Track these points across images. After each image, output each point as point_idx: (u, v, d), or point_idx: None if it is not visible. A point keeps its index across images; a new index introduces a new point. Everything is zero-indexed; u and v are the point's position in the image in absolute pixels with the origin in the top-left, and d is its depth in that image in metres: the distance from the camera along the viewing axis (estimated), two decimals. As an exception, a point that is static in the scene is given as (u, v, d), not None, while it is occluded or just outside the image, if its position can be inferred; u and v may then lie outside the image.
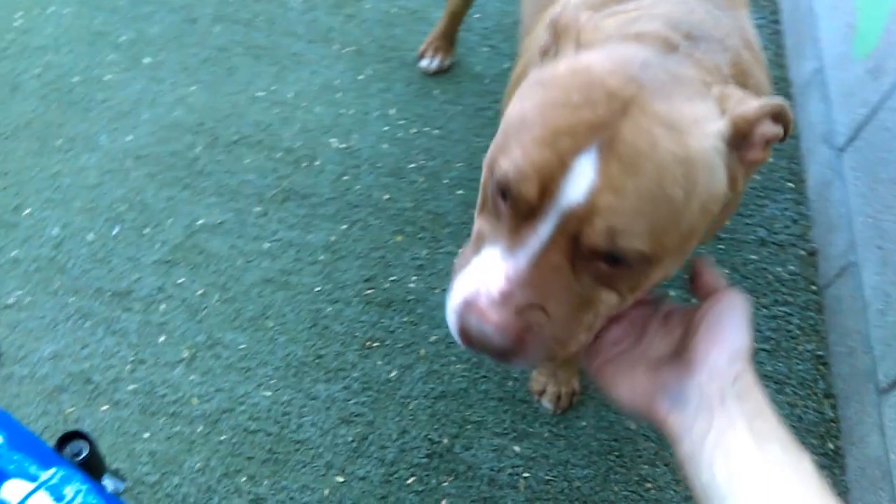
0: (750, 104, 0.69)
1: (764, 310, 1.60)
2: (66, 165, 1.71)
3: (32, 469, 0.61)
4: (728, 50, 0.84)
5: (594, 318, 0.72)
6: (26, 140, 1.75)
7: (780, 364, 1.53)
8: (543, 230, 0.67)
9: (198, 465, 1.36)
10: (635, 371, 0.71)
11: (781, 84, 1.95)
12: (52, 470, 0.61)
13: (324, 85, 1.92)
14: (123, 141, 1.76)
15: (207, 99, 1.85)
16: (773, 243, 1.72)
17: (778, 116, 0.70)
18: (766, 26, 2.07)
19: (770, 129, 0.70)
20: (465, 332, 0.70)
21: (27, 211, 1.64)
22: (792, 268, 1.68)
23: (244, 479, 1.35)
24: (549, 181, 0.66)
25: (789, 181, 1.81)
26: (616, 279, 0.69)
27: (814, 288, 1.65)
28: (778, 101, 0.70)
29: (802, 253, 1.70)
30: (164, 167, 1.73)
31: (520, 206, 0.68)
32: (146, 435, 1.38)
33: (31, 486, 0.59)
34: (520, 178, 0.67)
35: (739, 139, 0.69)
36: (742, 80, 0.85)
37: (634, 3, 0.91)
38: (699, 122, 0.68)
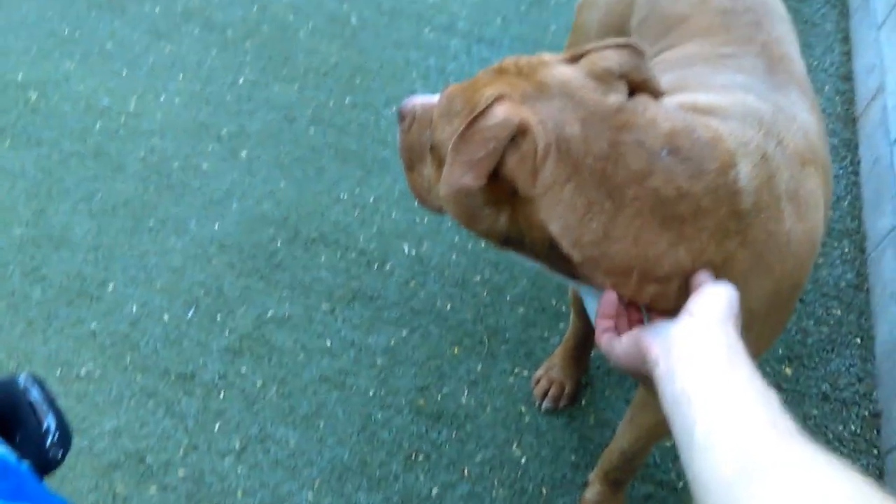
0: None
1: (820, 469, 1.55)
2: (154, 246, 1.83)
3: None
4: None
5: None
6: (122, 218, 1.87)
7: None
8: None
9: (234, 557, 1.39)
10: (632, 330, 0.82)
11: (856, 237, 1.94)
12: None
13: (403, 192, 2.00)
14: (211, 228, 1.87)
15: (294, 196, 1.96)
16: (837, 400, 1.68)
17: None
18: (844, 176, 2.07)
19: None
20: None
21: (111, 286, 1.75)
22: (853, 428, 1.64)
23: (276, 578, 1.37)
24: None
25: (857, 336, 1.78)
26: None
27: (875, 452, 1.60)
28: None
29: (865, 413, 1.65)
30: (244, 257, 1.83)
31: None
32: (189, 520, 1.43)
33: None
34: None
35: None
36: None
37: None
38: None
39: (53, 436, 0.74)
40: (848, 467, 0.56)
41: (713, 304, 0.74)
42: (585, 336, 1.56)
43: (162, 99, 2.14)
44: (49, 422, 0.75)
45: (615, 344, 0.82)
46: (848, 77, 2.37)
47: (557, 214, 0.81)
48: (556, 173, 0.79)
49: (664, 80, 0.99)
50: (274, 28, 2.35)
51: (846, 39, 2.49)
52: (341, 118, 2.14)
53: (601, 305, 0.84)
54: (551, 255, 0.84)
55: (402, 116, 1.02)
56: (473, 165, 0.77)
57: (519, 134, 0.78)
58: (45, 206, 1.88)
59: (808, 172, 0.92)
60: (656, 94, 0.86)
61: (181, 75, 2.20)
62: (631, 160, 0.79)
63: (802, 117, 1.00)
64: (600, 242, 0.81)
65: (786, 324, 1.06)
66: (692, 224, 0.81)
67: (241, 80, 2.20)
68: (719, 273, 0.82)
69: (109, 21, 2.32)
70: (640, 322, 0.85)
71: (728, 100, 0.96)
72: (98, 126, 2.05)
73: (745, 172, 0.83)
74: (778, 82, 1.05)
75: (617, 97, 0.82)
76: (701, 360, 0.68)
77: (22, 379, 0.74)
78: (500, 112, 0.77)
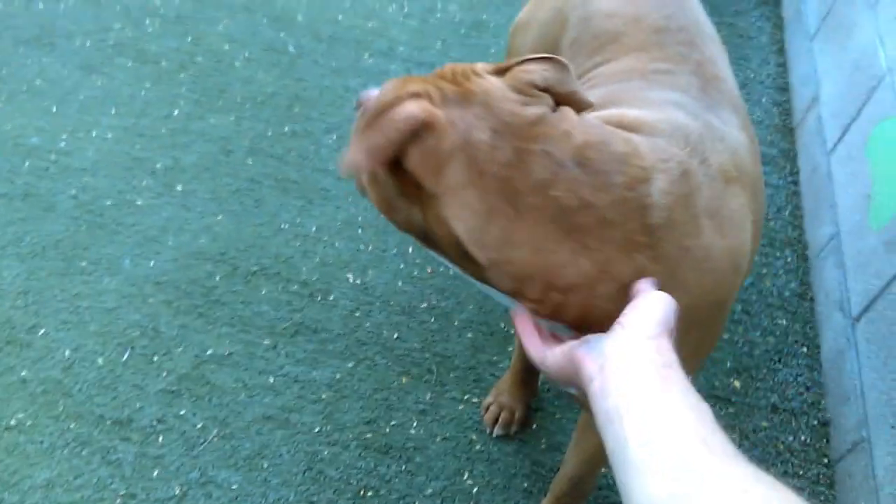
0: None
1: (772, 482, 1.54)
2: (86, 287, 1.76)
3: None
4: None
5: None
6: (52, 259, 1.81)
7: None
8: None
9: None
10: (564, 343, 0.80)
11: (797, 246, 1.95)
12: None
13: (347, 220, 1.97)
14: (146, 266, 1.82)
15: (233, 229, 1.91)
16: (786, 410, 1.68)
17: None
18: (784, 187, 2.09)
19: None
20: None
21: (42, 331, 1.68)
22: (803, 438, 1.64)
23: None
24: None
25: (804, 346, 1.79)
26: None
27: (825, 461, 1.60)
28: None
29: (815, 423, 1.66)
30: (181, 294, 1.77)
31: None
32: (128, 574, 1.36)
33: None
34: None
35: None
36: None
37: None
38: None
39: None
40: (780, 485, 0.56)
41: (647, 315, 0.72)
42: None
43: (94, 135, 2.09)
44: None
45: (548, 356, 0.80)
46: (784, 88, 2.41)
47: (461, 215, 0.83)
48: (459, 175, 0.82)
49: (598, 93, 1.02)
50: (209, 58, 2.31)
51: (781, 51, 2.54)
52: (280, 148, 2.11)
53: (518, 312, 0.84)
54: (462, 256, 0.86)
55: (358, 107, 1.03)
56: (371, 150, 0.80)
57: (425, 130, 0.80)
58: (-30, 250, 1.81)
59: (733, 191, 0.92)
60: (581, 106, 0.88)
61: (114, 110, 2.15)
62: (535, 169, 0.81)
63: (733, 136, 1.00)
64: (502, 247, 0.83)
65: (712, 343, 1.05)
66: (596, 235, 0.82)
67: (175, 113, 2.16)
68: (617, 291, 0.83)
69: (38, 57, 2.26)
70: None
71: (657, 116, 0.97)
72: (27, 165, 1.99)
73: (659, 188, 0.84)
74: (711, 101, 1.04)
75: (536, 109, 0.83)
76: (633, 376, 0.67)
77: None
78: (411, 107, 0.80)
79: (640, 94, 1.06)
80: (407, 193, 0.87)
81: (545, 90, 0.85)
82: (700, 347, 1.03)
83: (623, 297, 0.81)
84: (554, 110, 0.85)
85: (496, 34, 2.52)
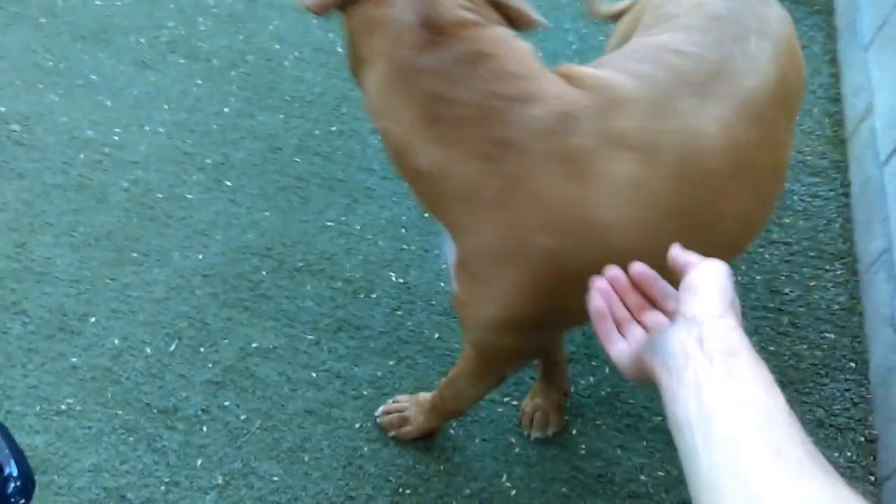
0: None
1: (817, 498, 1.52)
2: (137, 278, 1.80)
3: None
4: None
5: None
6: (104, 250, 1.85)
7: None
8: None
9: None
10: (632, 333, 0.79)
11: (847, 259, 1.92)
12: None
13: (390, 220, 1.98)
14: (195, 259, 1.85)
15: (279, 225, 1.94)
16: (832, 426, 1.65)
17: None
18: (834, 199, 2.06)
19: None
20: None
21: (93, 319, 1.72)
22: (850, 454, 1.61)
23: None
24: None
25: (852, 360, 1.75)
26: None
27: (872, 479, 1.57)
28: None
29: (861, 439, 1.63)
30: (228, 288, 1.80)
31: None
32: (170, 560, 1.39)
33: None
34: None
35: None
36: None
37: None
38: None
39: (16, 482, 0.72)
40: (856, 496, 0.55)
41: (705, 296, 0.71)
42: (549, 355, 1.54)
43: (146, 129, 2.13)
44: (10, 468, 0.73)
45: (623, 359, 0.79)
46: (836, 99, 2.37)
47: (372, 80, 1.00)
48: (380, 45, 0.98)
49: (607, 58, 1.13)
50: (259, 57, 2.34)
51: (834, 61, 2.49)
52: (327, 146, 2.13)
53: (591, 305, 0.82)
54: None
55: None
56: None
57: (374, 3, 0.99)
58: (26, 239, 1.85)
59: (618, 157, 0.94)
60: (524, 22, 1.04)
61: (166, 105, 2.19)
62: (428, 58, 0.94)
63: (693, 126, 1.00)
64: (386, 117, 0.99)
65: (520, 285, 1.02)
66: (455, 132, 0.94)
67: (226, 110, 2.19)
68: (468, 185, 0.94)
69: (94, 53, 2.31)
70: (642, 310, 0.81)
71: (606, 75, 1.02)
72: (81, 158, 2.04)
73: (529, 112, 0.93)
74: (704, 91, 1.03)
75: (469, 15, 0.96)
76: (699, 378, 0.65)
77: None
78: None
79: (630, 65, 1.06)
80: (358, 58, 1.04)
81: (495, 3, 1.01)
82: (499, 284, 1.03)
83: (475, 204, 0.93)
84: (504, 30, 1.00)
85: (542, 37, 2.52)
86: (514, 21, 1.04)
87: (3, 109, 2.13)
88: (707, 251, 0.82)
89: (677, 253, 0.77)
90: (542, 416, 1.59)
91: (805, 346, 1.77)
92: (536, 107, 0.93)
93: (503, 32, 0.99)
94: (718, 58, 1.07)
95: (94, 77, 2.25)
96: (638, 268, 0.80)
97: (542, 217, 0.94)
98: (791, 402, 1.70)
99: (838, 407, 1.67)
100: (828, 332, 1.80)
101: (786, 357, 1.75)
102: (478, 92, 0.93)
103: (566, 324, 1.28)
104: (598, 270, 0.85)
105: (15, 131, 2.08)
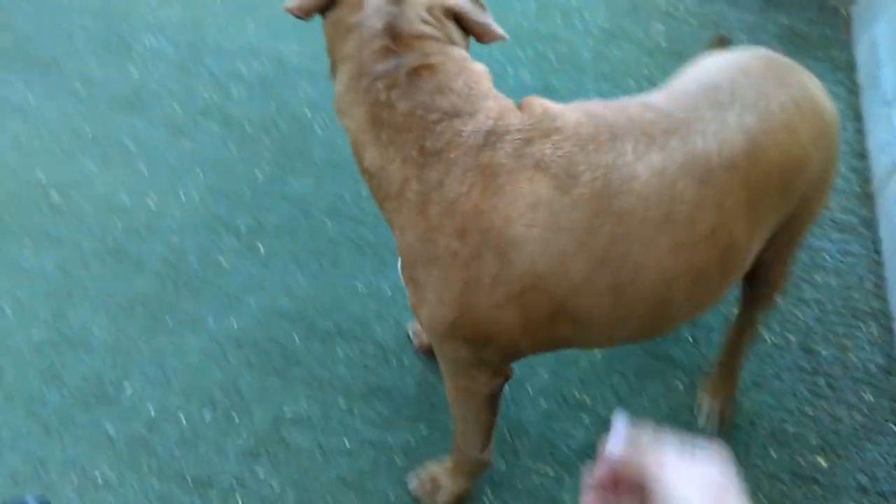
0: None
1: (862, 569, 1.48)
2: (171, 345, 1.82)
3: None
4: None
5: None
6: (140, 317, 1.87)
7: None
8: None
9: None
10: None
11: (882, 318, 1.90)
12: None
13: (420, 282, 1.99)
14: (228, 324, 1.87)
15: (311, 289, 1.95)
16: (876, 492, 1.61)
17: None
18: (865, 255, 2.04)
19: None
20: None
21: (129, 387, 1.74)
22: (894, 523, 1.57)
23: None
24: None
25: (893, 423, 1.72)
26: None
27: (920, 549, 1.53)
28: None
29: (907, 507, 1.59)
30: (260, 353, 1.81)
31: None
32: None
33: None
34: None
35: None
36: None
37: None
38: None
39: None
40: None
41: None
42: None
43: (181, 195, 2.17)
44: None
45: None
46: (862, 154, 2.37)
47: (339, 79, 1.08)
48: (349, 49, 1.05)
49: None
50: (290, 123, 2.39)
51: (858, 117, 2.50)
52: (357, 209, 2.15)
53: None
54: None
55: None
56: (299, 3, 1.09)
57: (340, 3, 1.07)
58: (64, 306, 1.88)
59: (534, 177, 1.00)
60: (488, 36, 1.12)
61: (200, 171, 2.23)
62: (381, 66, 1.02)
63: (625, 165, 1.02)
64: (345, 115, 1.07)
65: (450, 287, 1.06)
66: (390, 135, 1.02)
67: (258, 174, 2.23)
68: (399, 187, 1.03)
69: (129, 120, 2.37)
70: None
71: (554, 108, 1.08)
72: (118, 225, 2.08)
73: (456, 127, 1.00)
74: (652, 140, 1.05)
75: (428, 29, 1.04)
76: None
77: (30, 500, 0.73)
78: None
79: (596, 108, 1.11)
80: (334, 63, 1.11)
81: (458, 17, 1.09)
82: (431, 287, 1.08)
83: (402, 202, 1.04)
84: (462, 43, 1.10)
85: (564, 97, 2.55)
86: (478, 36, 1.13)
87: (42, 177, 2.19)
88: (623, 302, 0.80)
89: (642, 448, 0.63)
90: None
91: (844, 409, 1.75)
92: (469, 123, 1.01)
93: (458, 53, 1.07)
94: (685, 118, 1.09)
95: (130, 144, 2.30)
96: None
97: (452, 223, 1.01)
98: (832, 466, 1.66)
99: (881, 472, 1.64)
100: (866, 394, 1.78)
101: (825, 421, 1.72)
102: (417, 102, 1.01)
103: (503, 341, 1.14)
104: (507, 285, 0.97)
105: (53, 199, 2.13)
